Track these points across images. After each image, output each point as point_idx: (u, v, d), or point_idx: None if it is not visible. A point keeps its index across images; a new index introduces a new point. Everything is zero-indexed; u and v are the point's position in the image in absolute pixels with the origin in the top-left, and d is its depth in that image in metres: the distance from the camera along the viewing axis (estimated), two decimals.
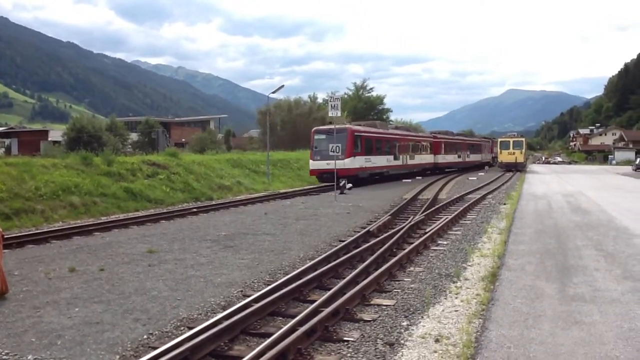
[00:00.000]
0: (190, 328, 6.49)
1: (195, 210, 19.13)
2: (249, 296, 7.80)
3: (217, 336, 6.04)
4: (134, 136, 60.24)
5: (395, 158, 37.10)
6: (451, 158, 50.98)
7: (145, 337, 6.45)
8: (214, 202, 22.33)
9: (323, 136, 30.98)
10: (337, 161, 25.70)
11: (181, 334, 6.25)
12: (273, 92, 38.18)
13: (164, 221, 16.83)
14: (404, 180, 36.20)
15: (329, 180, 28.13)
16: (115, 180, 21.38)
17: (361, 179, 31.28)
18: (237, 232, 14.43)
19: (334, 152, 24.67)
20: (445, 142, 49.08)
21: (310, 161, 31.49)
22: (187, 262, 10.58)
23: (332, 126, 27.56)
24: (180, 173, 25.35)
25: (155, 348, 5.85)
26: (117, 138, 50.99)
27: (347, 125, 32.42)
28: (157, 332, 6.60)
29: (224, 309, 7.35)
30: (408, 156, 39.78)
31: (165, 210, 19.18)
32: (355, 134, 30.97)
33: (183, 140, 65.79)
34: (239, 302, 7.42)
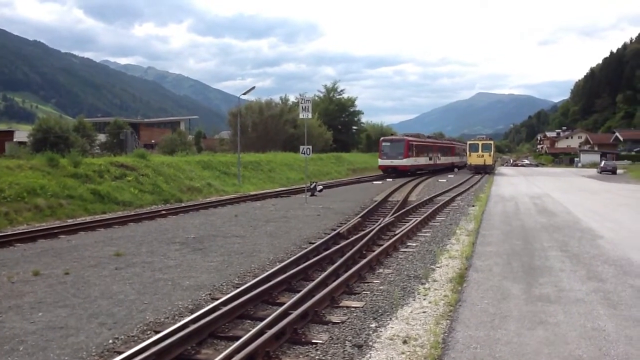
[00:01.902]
0: (157, 332, 6.41)
1: (164, 212, 18.91)
2: (217, 299, 7.73)
3: (184, 340, 5.98)
4: (102, 137, 59.28)
5: (430, 159, 51.82)
6: (457, 159, 64.17)
7: (110, 341, 6.34)
8: (183, 204, 22.10)
9: (388, 143, 45.54)
10: (397, 160, 43.40)
11: (147, 338, 6.16)
12: (244, 94, 37.99)
13: (132, 224, 16.59)
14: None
15: (392, 172, 43.61)
16: (82, 182, 20.99)
17: (411, 173, 44.50)
18: (207, 234, 14.32)
19: (396, 154, 43.11)
20: (456, 147, 62.74)
21: (379, 160, 45.97)
22: (154, 265, 10.45)
23: (395, 136, 47.99)
24: (149, 175, 25.02)
25: (120, 353, 5.76)
26: (85, 139, 50.13)
27: (404, 137, 47.52)
28: (123, 337, 6.50)
29: (192, 312, 7.28)
30: (437, 157, 54.86)
31: (133, 213, 18.90)
32: (409, 142, 45.21)
33: (152, 141, 65.03)
34: (207, 305, 7.35)
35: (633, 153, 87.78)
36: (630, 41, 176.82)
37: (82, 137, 48.94)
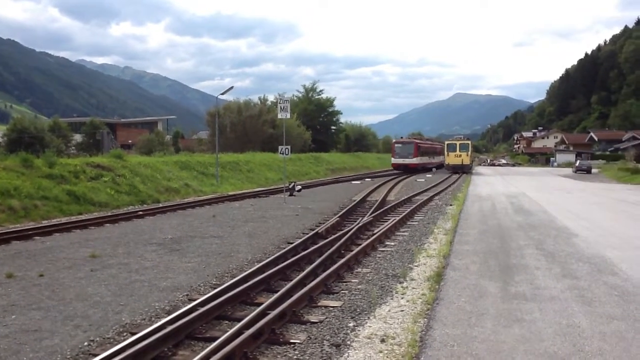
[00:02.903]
0: (133, 334, 6.33)
1: (141, 213, 18.73)
2: (194, 300, 7.67)
3: (160, 341, 5.92)
4: (78, 137, 58.56)
5: (430, 158, 59.36)
6: (442, 158, 65.49)
7: (86, 344, 6.26)
8: (160, 205, 21.90)
9: (400, 145, 53.69)
10: (408, 159, 51.66)
11: (123, 340, 6.10)
12: (222, 94, 37.83)
13: (108, 225, 16.40)
14: (352, 182, 36.48)
15: (403, 169, 50.87)
16: (58, 183, 20.70)
17: (419, 170, 52.84)
18: (184, 235, 14.21)
19: (407, 154, 51.86)
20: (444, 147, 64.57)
21: (392, 159, 53.71)
22: (131, 266, 10.34)
23: (405, 139, 56.28)
24: (126, 175, 24.76)
25: (96, 355, 5.70)
26: (61, 139, 49.53)
27: (413, 140, 56.29)
28: (98, 339, 6.42)
29: (169, 313, 7.22)
30: (433, 157, 61.36)
31: (109, 214, 18.68)
32: (417, 144, 54.08)
33: (130, 141, 64.43)
34: (184, 307, 7.29)
35: (607, 153, 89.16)
36: (605, 43, 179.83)
37: (57, 138, 48.34)
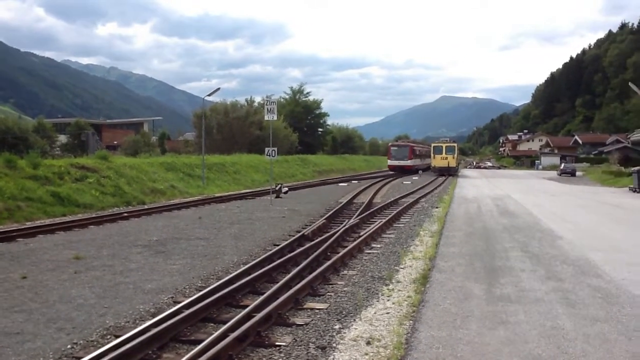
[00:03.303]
0: (117, 336, 6.29)
1: (126, 214, 18.59)
2: (179, 302, 7.62)
3: (145, 344, 5.87)
4: (63, 138, 58.03)
5: (422, 160, 61.40)
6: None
7: (69, 346, 6.20)
8: (146, 207, 21.77)
9: (396, 148, 57.99)
10: (403, 161, 55.34)
11: (107, 343, 6.05)
12: (209, 95, 37.70)
13: (92, 226, 16.26)
14: (340, 184, 36.52)
15: (399, 171, 54.53)
16: (42, 184, 20.50)
17: (413, 171, 55.57)
18: (170, 237, 14.13)
19: (403, 156, 55.67)
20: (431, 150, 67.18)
21: (389, 160, 57.87)
22: (115, 268, 10.26)
23: (401, 143, 62.76)
24: (111, 176, 24.59)
25: (79, 358, 5.65)
26: (45, 140, 49.02)
27: (408, 143, 62.36)
28: (82, 342, 6.36)
29: (154, 316, 7.16)
30: (425, 159, 62.63)
31: (94, 215, 18.54)
32: (412, 148, 58.06)
33: (115, 142, 64.00)
34: (169, 309, 7.25)
35: (591, 156, 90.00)
36: (589, 47, 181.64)
37: (42, 138, 47.85)
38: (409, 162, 55.85)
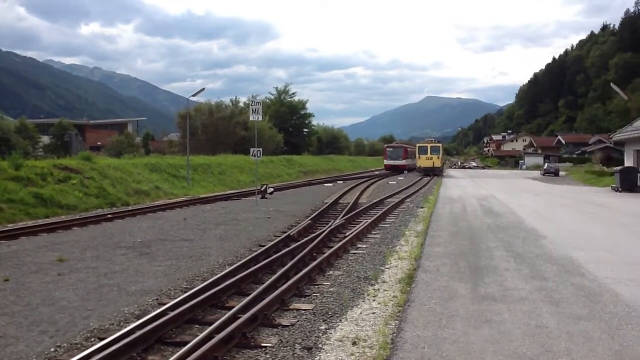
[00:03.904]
0: (102, 339, 6.24)
1: (110, 216, 18.45)
2: (164, 304, 7.58)
3: (129, 346, 5.83)
4: (45, 139, 57.44)
5: (413, 160, 62.64)
6: None
7: (52, 349, 6.13)
8: (130, 208, 21.62)
9: (391, 149, 64.09)
10: (398, 161, 60.65)
11: (91, 346, 5.99)
12: (193, 95, 37.57)
13: (76, 228, 16.12)
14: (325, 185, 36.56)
15: (394, 169, 59.90)
16: (24, 185, 20.27)
17: (408, 170, 59.63)
18: (154, 238, 14.04)
19: (398, 156, 61.26)
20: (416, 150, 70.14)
21: (385, 160, 63.35)
22: (99, 270, 10.17)
23: (396, 144, 69.48)
24: (95, 178, 24.39)
25: None
26: (28, 141, 48.43)
27: (402, 145, 68.19)
28: (65, 344, 6.29)
29: (138, 318, 7.11)
30: (415, 159, 64.18)
31: (77, 217, 18.38)
32: (406, 149, 63.48)
33: (99, 143, 63.44)
34: (154, 311, 7.20)
35: (574, 156, 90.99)
36: (572, 48, 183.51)
37: (24, 139, 47.26)
38: (402, 162, 60.94)
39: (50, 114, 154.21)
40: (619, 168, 31.66)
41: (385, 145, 71.63)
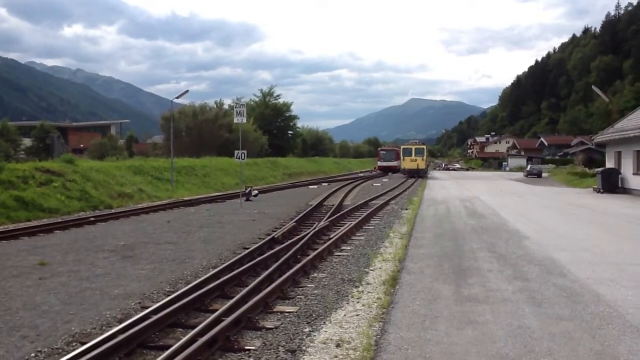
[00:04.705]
0: (83, 343, 6.17)
1: (92, 219, 18.28)
2: (147, 308, 7.51)
3: (111, 351, 5.77)
4: (27, 141, 56.91)
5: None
6: None
7: (33, 355, 6.05)
8: (113, 211, 21.43)
9: (385, 152, 68.72)
10: (390, 162, 64.49)
11: (72, 350, 5.92)
12: (177, 97, 37.40)
13: (58, 231, 15.95)
14: (310, 187, 36.51)
15: (387, 170, 64.11)
16: (5, 189, 20.02)
17: (398, 170, 60.45)
18: (137, 241, 13.94)
19: (391, 158, 65.08)
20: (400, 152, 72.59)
21: (379, 162, 68.38)
22: (82, 274, 10.07)
23: (389, 147, 75.28)
24: (77, 180, 24.15)
25: None
26: (9, 144, 48.02)
27: (394, 147, 70.75)
28: (46, 349, 6.21)
29: (120, 322, 7.05)
30: None
31: (60, 220, 18.17)
32: (397, 151, 63.95)
33: (81, 146, 62.99)
34: (137, 314, 7.14)
35: (557, 157, 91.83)
36: (554, 51, 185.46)
37: (5, 142, 46.83)
38: (394, 163, 64.55)
39: (32, 116, 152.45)
40: (600, 169, 32.01)
41: (379, 148, 77.49)
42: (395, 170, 63.23)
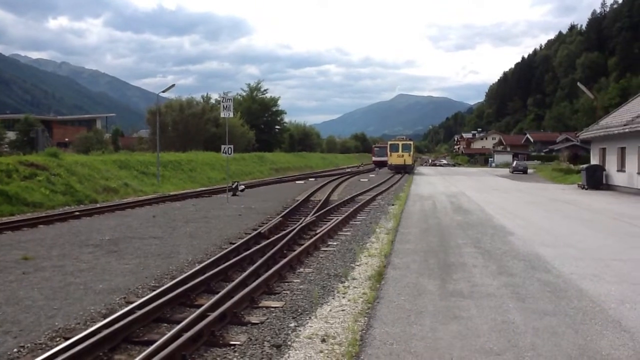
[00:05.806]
0: (67, 338, 6.12)
1: (77, 213, 18.13)
2: (132, 303, 7.47)
3: (95, 346, 5.73)
4: (11, 135, 56.33)
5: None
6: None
7: (15, 350, 6.00)
8: (98, 205, 21.28)
9: (378, 148, 69.47)
10: (384, 157, 60.91)
11: (56, 345, 5.88)
12: (164, 91, 37.16)
13: (42, 226, 15.80)
14: (297, 182, 36.49)
15: (381, 164, 64.11)
16: None
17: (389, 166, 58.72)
18: (123, 236, 13.85)
19: (383, 154, 61.80)
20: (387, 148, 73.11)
21: (373, 157, 71.63)
22: (66, 268, 9.99)
23: (382, 144, 72.48)
24: (62, 174, 23.94)
25: None
26: None
27: (386, 145, 65.24)
28: (29, 345, 6.16)
29: (105, 317, 7.01)
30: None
31: (44, 214, 18.00)
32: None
33: (66, 139, 62.48)
34: (121, 309, 7.10)
35: (542, 154, 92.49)
36: (540, 47, 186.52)
37: None
38: (386, 159, 64.70)
39: (16, 109, 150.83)
40: (585, 166, 32.30)
41: (373, 145, 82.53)
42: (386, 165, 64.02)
